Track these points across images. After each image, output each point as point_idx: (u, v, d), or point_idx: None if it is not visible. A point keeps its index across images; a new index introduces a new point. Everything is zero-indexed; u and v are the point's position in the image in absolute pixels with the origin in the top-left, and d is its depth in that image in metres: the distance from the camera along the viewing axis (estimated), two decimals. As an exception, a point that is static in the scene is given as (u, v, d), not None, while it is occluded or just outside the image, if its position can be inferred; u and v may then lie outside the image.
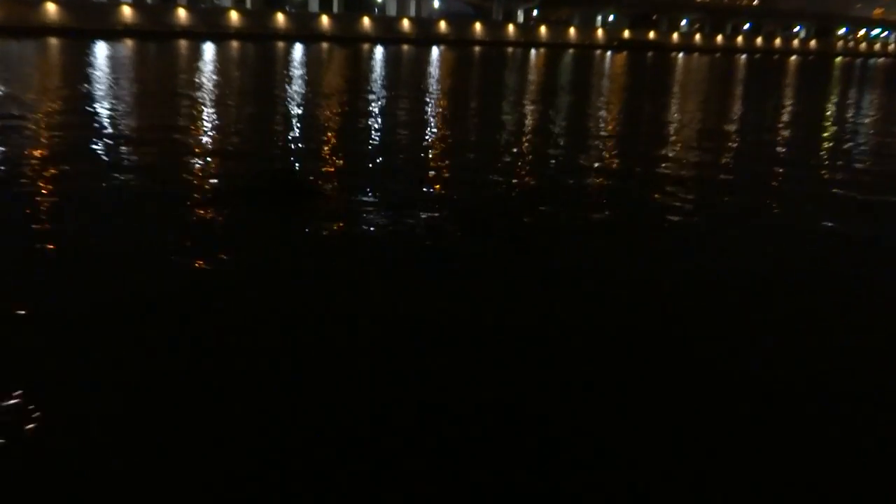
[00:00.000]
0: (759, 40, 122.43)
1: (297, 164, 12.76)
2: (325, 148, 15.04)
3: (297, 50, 57.67)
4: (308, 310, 6.52)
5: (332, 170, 12.80)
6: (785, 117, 25.35)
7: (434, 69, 42.74)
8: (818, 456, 4.67)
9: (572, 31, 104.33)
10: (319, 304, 6.65)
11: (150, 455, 4.44)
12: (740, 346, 6.13)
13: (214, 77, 30.10)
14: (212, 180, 11.45)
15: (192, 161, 12.89)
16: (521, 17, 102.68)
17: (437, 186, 11.84)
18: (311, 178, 11.69)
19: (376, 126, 18.41)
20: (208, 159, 13.12)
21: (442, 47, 78.14)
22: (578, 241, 8.98)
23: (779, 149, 17.72)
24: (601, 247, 8.73)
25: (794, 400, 5.33)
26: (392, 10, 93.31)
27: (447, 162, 14.00)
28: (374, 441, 4.63)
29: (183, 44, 57.99)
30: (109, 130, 15.66)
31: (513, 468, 4.43)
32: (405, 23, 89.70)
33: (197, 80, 28.18)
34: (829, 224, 10.24)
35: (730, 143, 18.12)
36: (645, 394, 5.30)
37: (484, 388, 5.29)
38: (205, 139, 15.29)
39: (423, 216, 9.75)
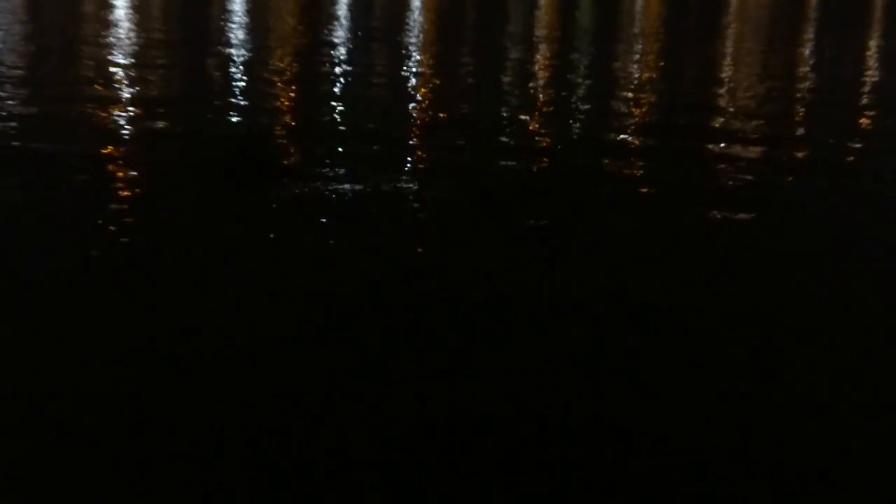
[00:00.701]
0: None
1: (256, 135, 13.16)
2: (289, 116, 15.44)
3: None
4: (294, 314, 7.04)
5: (300, 142, 13.28)
6: (871, 69, 25.66)
7: (415, 13, 42.93)
8: None
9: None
10: (303, 308, 7.14)
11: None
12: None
13: (130, 24, 30.17)
14: (153, 158, 11.77)
15: (121, 138, 13.09)
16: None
17: (430, 160, 12.34)
18: (279, 151, 12.04)
19: (348, 88, 18.65)
20: (139, 133, 13.40)
21: (425, -18, 78.17)
22: (601, 240, 9.26)
23: (862, 116, 17.99)
24: (628, 258, 8.79)
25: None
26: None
27: (438, 129, 14.49)
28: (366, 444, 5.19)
29: (86, -18, 57.80)
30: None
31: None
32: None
33: (107, 29, 28.23)
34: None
35: (798, 107, 18.42)
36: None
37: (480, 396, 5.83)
38: (131, 107, 15.49)
39: (418, 204, 10.14)
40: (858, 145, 14.65)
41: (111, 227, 9.02)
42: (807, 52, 30.97)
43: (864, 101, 19.79)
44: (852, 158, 13.66)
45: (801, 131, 15.66)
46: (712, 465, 5.24)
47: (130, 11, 36.72)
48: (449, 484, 4.92)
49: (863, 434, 5.62)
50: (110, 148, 12.55)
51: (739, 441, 5.49)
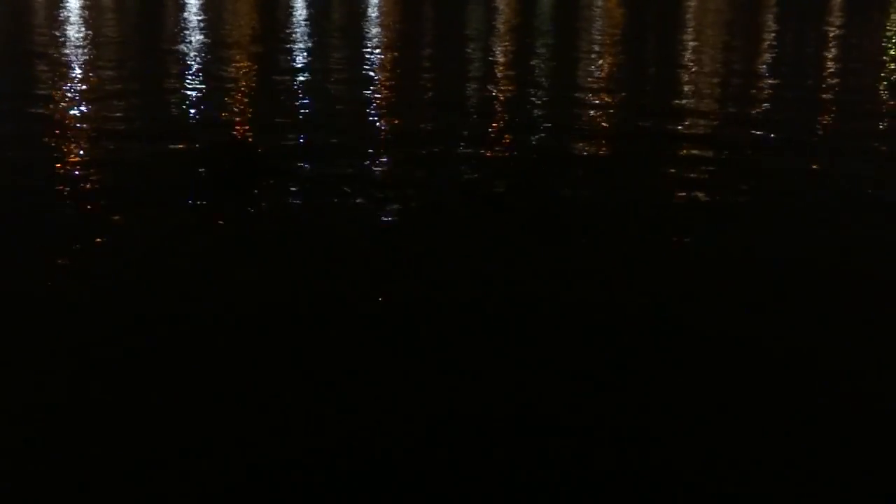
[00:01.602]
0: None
1: (238, 138, 13.26)
2: (262, 117, 15.43)
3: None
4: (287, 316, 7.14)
5: (282, 144, 13.31)
6: (832, 53, 26.08)
7: (373, 9, 42.96)
8: None
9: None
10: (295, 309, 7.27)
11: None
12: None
13: (82, 30, 29.85)
14: (130, 168, 11.67)
15: (85, 143, 13.06)
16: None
17: (414, 156, 12.47)
18: (263, 153, 12.14)
19: (315, 87, 18.71)
20: (106, 140, 13.26)
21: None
22: (593, 241, 9.36)
23: (825, 96, 18.30)
24: (623, 257, 8.79)
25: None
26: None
27: (414, 125, 14.57)
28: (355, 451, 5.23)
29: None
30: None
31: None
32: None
33: (60, 35, 27.93)
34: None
35: (764, 99, 18.74)
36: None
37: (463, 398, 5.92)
38: (93, 114, 15.37)
39: (403, 202, 10.27)
40: (826, 138, 14.72)
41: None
42: (769, 40, 31.44)
43: (831, 85, 20.15)
44: (816, 158, 13.22)
45: (762, 123, 15.76)
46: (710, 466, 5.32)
47: (82, 13, 36.30)
48: (446, 486, 4.99)
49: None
50: (73, 166, 12.51)
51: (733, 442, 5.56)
